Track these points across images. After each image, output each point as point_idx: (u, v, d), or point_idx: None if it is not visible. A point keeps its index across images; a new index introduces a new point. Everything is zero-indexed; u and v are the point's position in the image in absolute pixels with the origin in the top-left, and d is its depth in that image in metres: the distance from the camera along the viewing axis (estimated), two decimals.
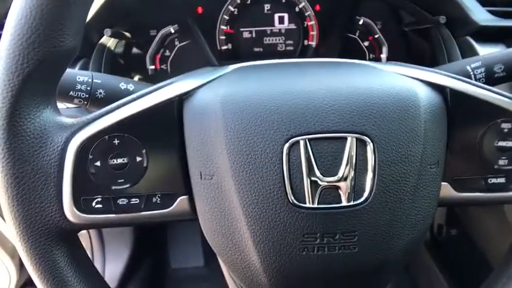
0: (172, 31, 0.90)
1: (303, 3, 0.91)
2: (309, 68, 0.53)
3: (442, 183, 0.49)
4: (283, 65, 0.55)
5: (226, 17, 0.91)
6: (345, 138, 0.44)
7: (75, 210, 0.45)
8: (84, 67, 0.76)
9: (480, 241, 1.00)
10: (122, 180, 0.46)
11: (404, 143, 0.45)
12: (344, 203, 0.44)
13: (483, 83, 0.53)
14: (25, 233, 0.44)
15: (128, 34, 0.85)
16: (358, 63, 0.55)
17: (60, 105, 0.61)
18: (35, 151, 0.43)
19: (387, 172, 0.44)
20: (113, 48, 0.83)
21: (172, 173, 0.48)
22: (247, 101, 0.45)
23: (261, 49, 0.93)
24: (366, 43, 0.93)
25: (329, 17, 0.92)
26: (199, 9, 0.91)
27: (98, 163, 0.46)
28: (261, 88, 0.46)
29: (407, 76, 0.49)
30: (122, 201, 0.47)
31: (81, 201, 0.45)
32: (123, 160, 0.46)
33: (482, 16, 0.76)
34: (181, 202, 0.48)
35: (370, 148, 0.44)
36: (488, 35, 0.75)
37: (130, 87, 0.59)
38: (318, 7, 0.92)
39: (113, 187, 0.46)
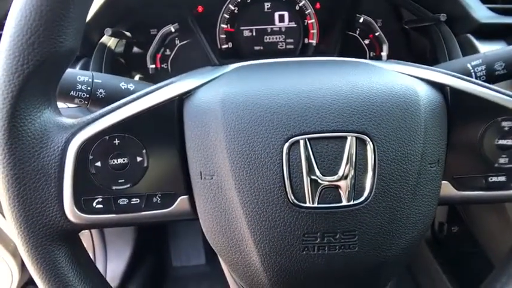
0: (173, 30, 0.90)
1: (303, 2, 0.91)
2: (309, 67, 0.53)
3: (443, 181, 0.49)
4: (283, 64, 0.55)
5: (227, 16, 0.91)
6: (345, 138, 0.44)
7: (76, 210, 0.45)
8: (85, 66, 0.76)
9: (482, 239, 1.00)
10: (123, 180, 0.47)
11: (405, 142, 0.45)
12: (344, 202, 0.44)
13: (484, 81, 0.53)
14: (26, 234, 0.44)
15: (128, 33, 0.85)
16: (358, 61, 0.55)
17: (61, 104, 0.61)
18: (36, 152, 0.43)
19: (387, 171, 0.44)
20: (113, 47, 0.83)
21: (172, 172, 0.48)
22: (247, 100, 0.45)
23: (262, 48, 0.93)
24: (367, 41, 0.93)
25: (329, 15, 0.92)
26: (200, 8, 0.90)
27: (99, 163, 0.46)
28: (261, 88, 0.46)
29: (408, 74, 0.49)
30: (123, 201, 0.47)
31: (81, 202, 0.45)
32: (124, 160, 0.46)
33: (482, 13, 0.75)
34: (181, 202, 0.48)
35: (370, 147, 0.44)
36: (488, 33, 0.75)
37: (131, 86, 0.59)
38: (318, 5, 0.92)
39: (114, 187, 0.46)
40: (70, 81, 0.55)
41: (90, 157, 0.45)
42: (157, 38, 0.90)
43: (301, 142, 0.43)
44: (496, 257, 0.95)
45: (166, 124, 0.48)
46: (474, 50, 0.74)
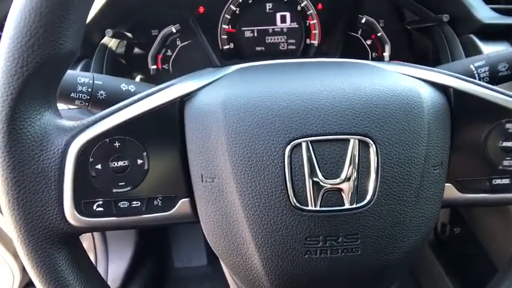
0: (174, 31, 0.89)
1: (305, 2, 0.91)
2: (311, 68, 0.53)
3: (446, 184, 0.49)
4: (284, 66, 0.54)
5: (228, 16, 0.91)
6: (348, 140, 0.43)
7: (76, 213, 0.45)
8: (86, 68, 0.76)
9: (484, 240, 0.99)
10: (123, 183, 0.46)
11: (408, 145, 0.44)
12: (347, 205, 0.43)
13: (487, 82, 0.52)
14: (26, 237, 0.44)
15: (129, 34, 0.85)
16: (360, 63, 0.54)
17: (62, 105, 0.61)
18: (36, 154, 0.43)
19: (390, 174, 0.44)
20: (114, 48, 0.83)
21: (173, 175, 0.48)
22: (249, 102, 0.45)
23: (263, 48, 0.93)
24: (369, 41, 0.93)
25: (331, 15, 0.91)
26: (201, 9, 0.90)
27: (99, 166, 0.45)
28: (263, 89, 0.46)
29: (410, 76, 0.49)
30: (123, 204, 0.46)
31: (82, 205, 0.45)
32: (124, 163, 0.46)
33: (485, 14, 0.75)
34: (182, 205, 0.48)
35: (372, 150, 0.43)
36: (491, 33, 0.75)
37: (132, 88, 0.59)
38: (320, 6, 0.91)
39: (114, 190, 0.46)
40: (71, 82, 0.55)
41: (91, 160, 0.45)
42: (158, 38, 0.90)
43: (304, 145, 0.43)
44: (499, 259, 0.95)
45: (167, 126, 0.48)
46: (477, 51, 0.74)
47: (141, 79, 0.91)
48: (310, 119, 0.43)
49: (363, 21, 0.91)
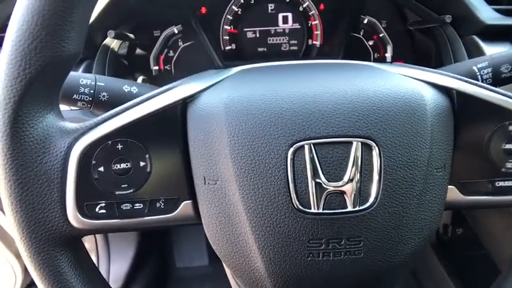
0: (176, 31, 0.89)
1: (307, 3, 0.91)
2: (314, 70, 0.53)
3: (449, 186, 0.49)
4: (286, 67, 0.54)
5: (230, 17, 0.91)
6: (350, 143, 0.43)
7: (79, 215, 0.45)
8: (88, 69, 0.76)
9: (486, 241, 0.99)
10: (126, 185, 0.46)
11: (411, 147, 0.44)
12: (349, 208, 0.43)
13: (490, 84, 0.52)
14: (28, 239, 0.44)
15: (131, 35, 0.85)
16: (362, 64, 0.54)
17: (64, 107, 0.61)
18: (38, 157, 0.43)
19: (393, 177, 0.43)
20: (116, 49, 0.83)
21: (176, 177, 0.47)
22: (251, 104, 0.45)
23: (265, 49, 0.93)
24: (371, 42, 0.93)
25: (333, 16, 0.91)
26: (203, 10, 0.90)
27: (101, 168, 0.45)
28: (265, 92, 0.46)
29: (413, 78, 0.49)
30: (126, 206, 0.46)
31: (84, 207, 0.45)
32: (127, 165, 0.46)
33: (488, 14, 0.75)
34: (185, 207, 0.48)
35: (375, 152, 0.43)
36: (494, 34, 0.74)
37: (134, 89, 0.59)
38: (322, 6, 0.91)
39: (117, 192, 0.46)
40: (73, 84, 0.55)
41: (93, 162, 0.45)
42: (160, 39, 0.90)
43: (306, 147, 0.43)
44: (501, 260, 0.95)
45: (169, 128, 0.47)
46: (480, 52, 0.73)
47: (143, 80, 0.91)
48: (313, 122, 0.43)
49: (365, 21, 0.91)
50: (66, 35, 0.40)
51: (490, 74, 0.57)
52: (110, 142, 0.45)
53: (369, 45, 0.93)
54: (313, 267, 0.44)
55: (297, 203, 0.43)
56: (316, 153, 0.43)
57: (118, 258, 1.17)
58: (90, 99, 0.56)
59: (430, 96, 0.47)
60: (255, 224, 0.44)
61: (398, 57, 0.91)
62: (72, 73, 0.55)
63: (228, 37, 0.92)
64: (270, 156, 0.43)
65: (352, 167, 0.43)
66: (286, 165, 0.43)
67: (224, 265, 0.52)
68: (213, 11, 0.90)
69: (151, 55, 0.90)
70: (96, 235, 1.12)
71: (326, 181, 0.43)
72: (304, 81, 0.48)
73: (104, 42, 0.80)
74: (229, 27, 0.91)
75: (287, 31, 0.92)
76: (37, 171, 0.43)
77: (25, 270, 1.05)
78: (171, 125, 0.47)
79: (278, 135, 0.43)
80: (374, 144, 0.43)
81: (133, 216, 0.47)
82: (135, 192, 0.46)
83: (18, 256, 1.02)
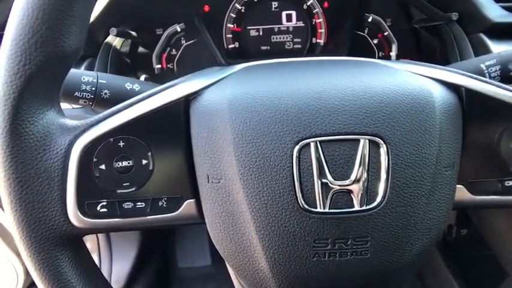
0: (179, 30, 0.89)
1: (311, 1, 0.90)
2: (319, 67, 0.52)
3: (457, 185, 0.48)
4: (291, 64, 0.54)
5: (233, 15, 0.90)
6: (358, 140, 0.42)
7: (80, 214, 0.44)
8: (90, 67, 0.76)
9: (491, 242, 0.98)
10: (127, 184, 0.45)
11: (419, 145, 0.43)
12: (356, 207, 0.42)
13: (498, 82, 0.51)
14: (28, 238, 0.43)
15: (133, 33, 0.84)
16: (369, 61, 0.53)
17: (65, 105, 0.61)
18: (38, 154, 0.42)
19: (401, 175, 0.43)
20: (118, 47, 0.83)
21: (178, 175, 0.47)
22: (256, 101, 0.44)
23: (269, 47, 0.92)
24: (375, 41, 0.92)
25: (337, 14, 0.90)
26: (206, 8, 0.90)
27: (103, 166, 0.45)
28: (270, 88, 0.45)
29: (421, 75, 0.48)
30: (127, 205, 0.46)
31: (85, 206, 0.44)
32: (129, 163, 0.45)
33: (495, 12, 0.74)
34: (188, 206, 0.47)
35: (383, 150, 0.42)
36: (502, 32, 0.73)
37: (136, 87, 0.58)
38: (326, 4, 0.91)
39: (118, 191, 0.45)
40: (74, 81, 0.55)
41: (94, 160, 0.44)
42: (163, 37, 0.89)
43: (312, 145, 0.42)
44: (506, 261, 0.94)
45: (172, 126, 0.47)
46: (486, 50, 0.73)
47: (145, 78, 0.91)
48: (319, 119, 0.42)
49: (370, 20, 0.90)
50: (66, 29, 0.40)
51: (498, 71, 0.56)
52: (111, 139, 0.45)
53: (374, 43, 0.92)
54: (319, 267, 0.44)
55: (303, 202, 0.42)
56: (322, 151, 0.42)
57: (120, 258, 1.16)
58: (92, 96, 0.56)
59: (439, 94, 0.46)
60: (259, 223, 0.43)
61: (403, 56, 0.91)
62: (73, 70, 0.55)
63: (231, 35, 0.91)
64: (275, 154, 0.42)
65: (359, 165, 0.42)
66: (292, 163, 0.42)
67: (227, 265, 0.51)
68: (216, 9, 0.90)
69: (154, 53, 0.90)
70: (98, 235, 1.12)
71: (332, 180, 0.42)
72: (310, 77, 0.47)
73: (106, 40, 0.79)
74: (232, 26, 0.91)
75: (291, 29, 0.91)
76: (37, 169, 0.42)
77: (27, 270, 1.05)
78: (173, 122, 0.47)
79: (283, 132, 0.42)
80: (382, 142, 0.42)
81: (135, 215, 0.46)
82: (137, 190, 0.46)
83: (20, 256, 1.02)
